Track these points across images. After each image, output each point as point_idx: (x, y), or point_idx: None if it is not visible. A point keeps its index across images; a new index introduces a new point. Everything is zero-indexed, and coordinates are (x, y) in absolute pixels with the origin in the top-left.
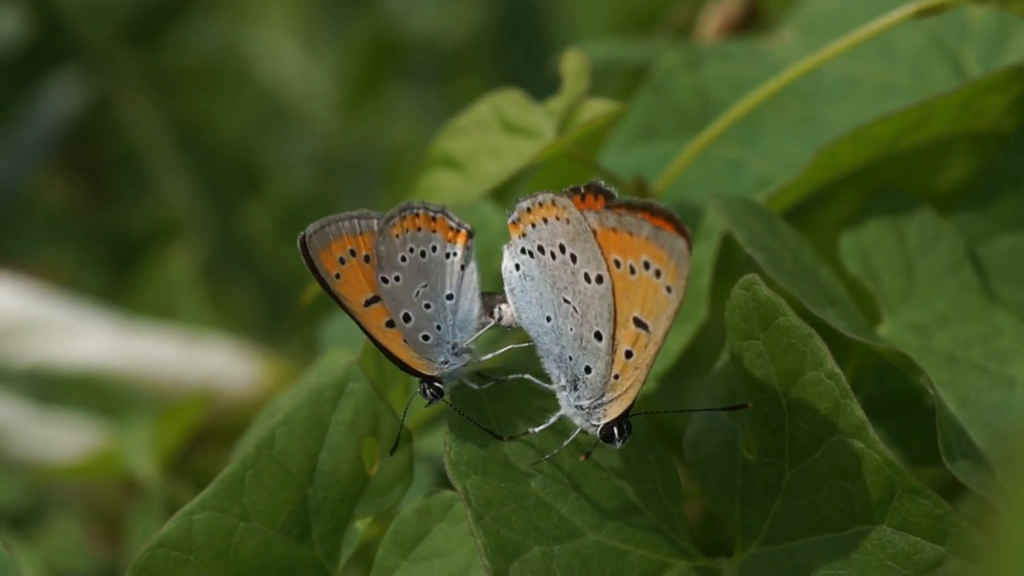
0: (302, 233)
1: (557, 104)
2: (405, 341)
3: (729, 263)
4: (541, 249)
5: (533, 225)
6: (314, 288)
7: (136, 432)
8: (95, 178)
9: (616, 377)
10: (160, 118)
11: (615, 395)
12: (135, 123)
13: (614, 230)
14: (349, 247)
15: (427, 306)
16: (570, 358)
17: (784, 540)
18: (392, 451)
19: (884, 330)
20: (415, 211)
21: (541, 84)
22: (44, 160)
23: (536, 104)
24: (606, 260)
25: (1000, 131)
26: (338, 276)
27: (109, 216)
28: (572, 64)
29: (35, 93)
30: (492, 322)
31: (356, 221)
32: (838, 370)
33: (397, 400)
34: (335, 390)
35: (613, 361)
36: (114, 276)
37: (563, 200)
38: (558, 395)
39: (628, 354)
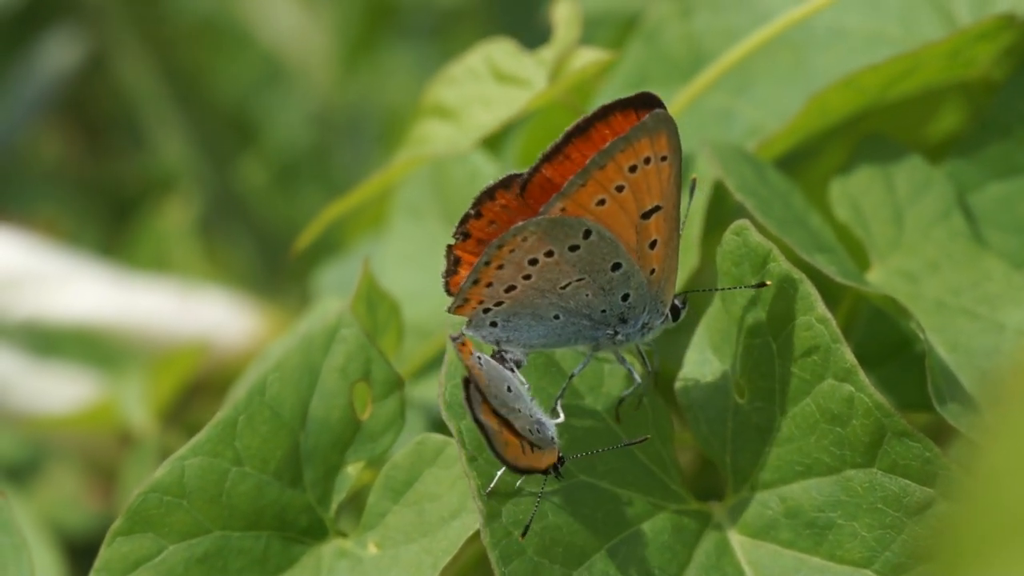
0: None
1: (548, 53)
2: None
3: (720, 211)
4: (510, 289)
5: (489, 284)
6: (308, 235)
7: (131, 383)
8: (92, 134)
9: (653, 272)
10: (157, 74)
11: (662, 282)
12: (132, 79)
13: (582, 186)
14: None
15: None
16: (603, 311)
17: (775, 483)
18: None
19: (874, 277)
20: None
21: (537, 40)
22: (41, 116)
23: (528, 53)
24: (585, 212)
25: (990, 80)
26: None
27: (106, 171)
28: (563, 13)
29: (32, 49)
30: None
31: None
32: (828, 314)
33: (388, 346)
34: (327, 336)
35: (643, 266)
36: (111, 230)
37: (518, 230)
38: (616, 342)
39: (653, 244)
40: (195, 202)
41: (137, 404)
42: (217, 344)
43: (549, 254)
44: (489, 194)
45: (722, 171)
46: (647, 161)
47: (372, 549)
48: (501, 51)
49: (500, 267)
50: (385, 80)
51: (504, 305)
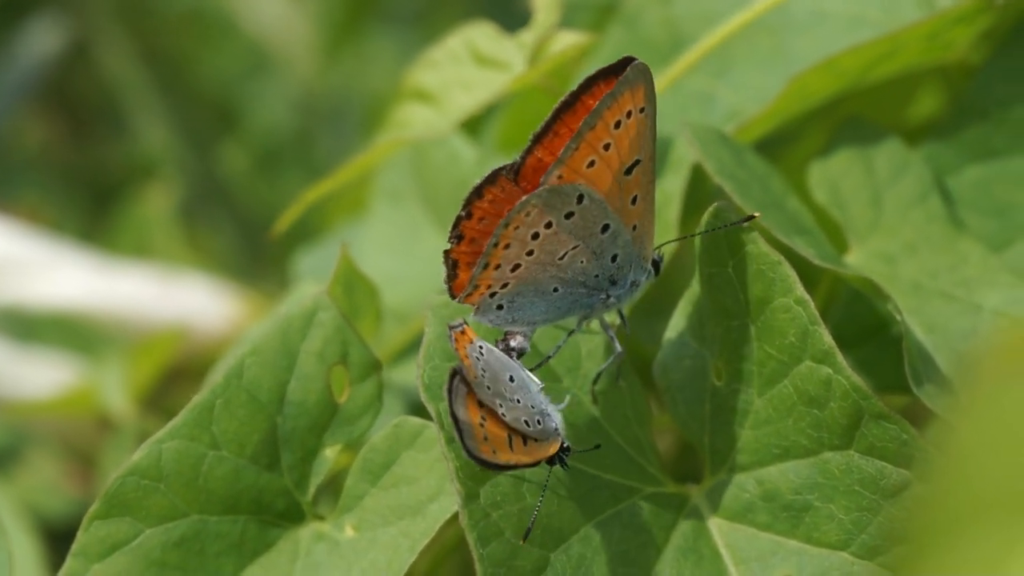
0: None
1: (528, 36)
2: None
3: (699, 193)
4: (515, 268)
5: (498, 266)
6: (288, 218)
7: (110, 369)
8: (75, 121)
9: (635, 228)
10: (139, 61)
11: (643, 238)
12: (114, 66)
13: (576, 150)
14: None
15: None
16: (596, 276)
17: (753, 466)
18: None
19: (852, 259)
20: None
21: (519, 25)
22: (24, 103)
23: (508, 37)
24: (579, 176)
25: (969, 63)
26: None
27: (88, 158)
28: None
29: (15, 37)
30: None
31: None
32: (807, 296)
33: (366, 330)
34: (304, 320)
35: (627, 223)
36: (93, 217)
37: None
38: (608, 305)
39: (634, 200)
40: (177, 188)
41: (116, 389)
42: (197, 329)
43: (548, 225)
44: (477, 193)
45: (701, 154)
46: (629, 115)
47: (349, 532)
48: (481, 34)
49: (507, 246)
50: (368, 66)
51: (510, 286)
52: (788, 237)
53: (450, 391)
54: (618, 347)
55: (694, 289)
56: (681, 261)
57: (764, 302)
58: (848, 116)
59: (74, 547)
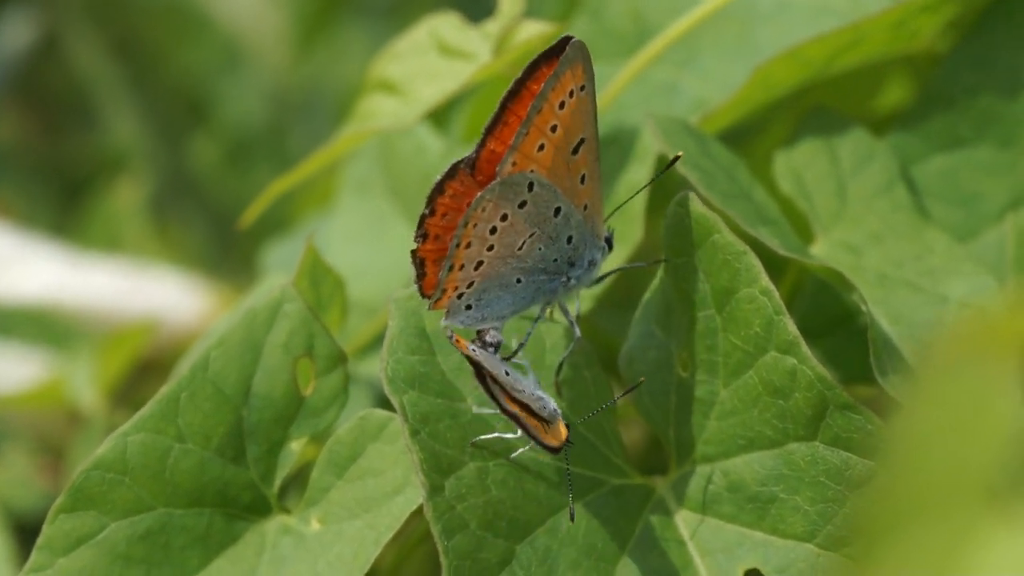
0: None
1: (493, 26)
2: None
3: (665, 184)
4: (478, 266)
5: (462, 266)
6: (255, 210)
7: (80, 362)
8: (45, 114)
9: (585, 207)
10: (110, 54)
11: (594, 216)
12: (85, 59)
13: (527, 135)
14: None
15: None
16: (555, 260)
17: (718, 457)
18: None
19: (817, 249)
20: None
21: (488, 17)
22: None
23: (473, 27)
24: (531, 161)
25: (935, 53)
26: None
27: (59, 151)
28: None
29: None
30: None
31: None
32: (771, 286)
33: (332, 322)
34: (270, 312)
35: (577, 204)
36: (63, 210)
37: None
38: (569, 287)
39: (583, 179)
40: (147, 182)
41: (86, 383)
42: (168, 322)
43: (504, 218)
44: (439, 189)
45: (665, 145)
46: (571, 95)
47: (315, 525)
48: (446, 24)
49: (468, 245)
50: (341, 59)
51: (475, 284)
52: (753, 227)
53: (491, 393)
54: (577, 332)
55: (659, 279)
56: (647, 252)
57: (729, 292)
58: (813, 106)
59: (39, 540)
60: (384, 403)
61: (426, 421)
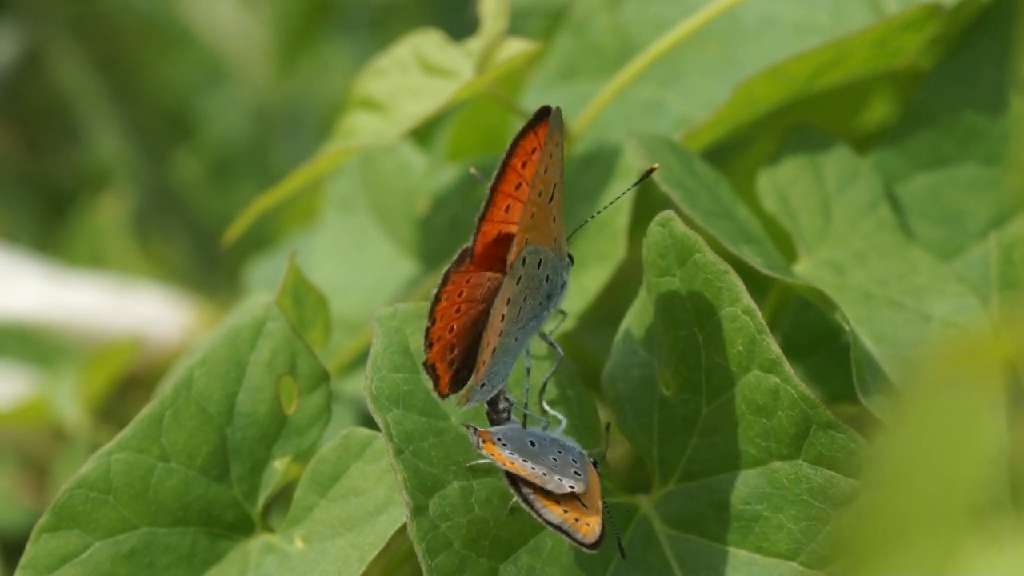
0: None
1: (476, 44)
2: None
3: (647, 202)
4: (493, 352)
5: (484, 363)
6: (238, 227)
7: (64, 379)
8: (28, 130)
9: (555, 241)
10: (93, 70)
11: (560, 243)
12: (68, 75)
13: (530, 215)
14: None
15: None
16: (540, 303)
17: (701, 475)
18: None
19: (801, 268)
20: None
21: (473, 34)
22: None
23: (456, 45)
24: (526, 231)
25: (918, 70)
26: None
27: (42, 167)
28: (491, 5)
29: None
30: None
31: None
32: (754, 305)
33: (315, 340)
34: (253, 330)
35: (549, 244)
36: (46, 226)
37: None
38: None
39: (555, 220)
40: (130, 198)
41: (70, 400)
42: (152, 339)
43: (508, 301)
44: (436, 299)
45: (648, 162)
46: (551, 156)
47: (299, 544)
48: (428, 42)
49: (492, 350)
50: (324, 75)
51: (488, 365)
52: (736, 246)
53: (530, 503)
54: (559, 351)
55: (642, 298)
56: (630, 270)
57: (711, 311)
58: (797, 123)
59: (23, 559)
60: (367, 421)
61: (410, 440)
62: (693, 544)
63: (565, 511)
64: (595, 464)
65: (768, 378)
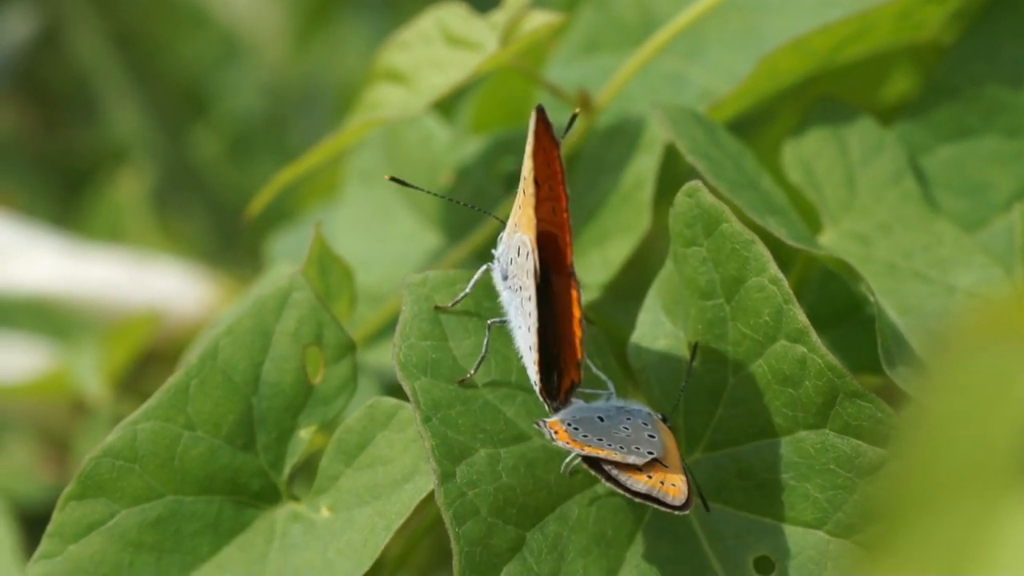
0: None
1: (500, 17)
2: None
3: (672, 173)
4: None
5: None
6: (261, 200)
7: (85, 353)
8: (46, 107)
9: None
10: (110, 47)
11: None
12: (85, 52)
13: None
14: None
15: None
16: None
17: (727, 445)
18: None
19: (826, 239)
20: None
21: (490, 7)
22: None
23: (479, 17)
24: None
25: (940, 44)
26: None
27: (60, 144)
28: None
29: None
30: None
31: None
32: (780, 275)
33: (341, 312)
34: (279, 300)
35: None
36: (65, 202)
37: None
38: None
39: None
40: (149, 174)
41: (90, 373)
42: (171, 313)
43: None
44: None
45: (673, 133)
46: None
47: (325, 512)
48: (452, 15)
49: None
50: (339, 51)
51: None
52: (761, 217)
53: (614, 480)
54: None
55: (668, 268)
56: (655, 241)
57: (738, 281)
58: (821, 95)
59: (49, 527)
60: (391, 392)
61: (438, 407)
62: (719, 513)
63: (649, 477)
64: (664, 420)
65: (795, 348)
